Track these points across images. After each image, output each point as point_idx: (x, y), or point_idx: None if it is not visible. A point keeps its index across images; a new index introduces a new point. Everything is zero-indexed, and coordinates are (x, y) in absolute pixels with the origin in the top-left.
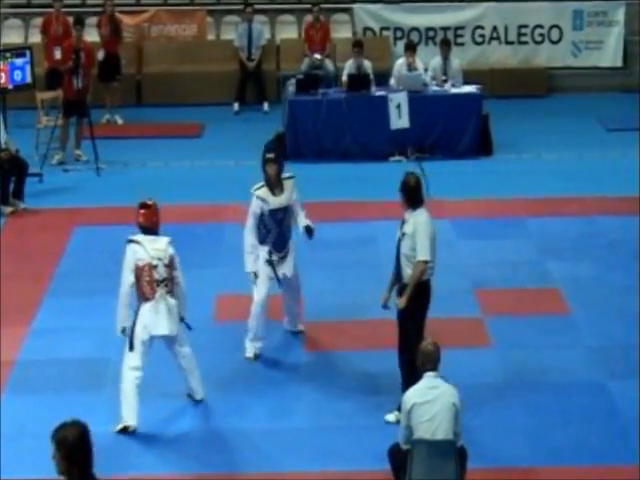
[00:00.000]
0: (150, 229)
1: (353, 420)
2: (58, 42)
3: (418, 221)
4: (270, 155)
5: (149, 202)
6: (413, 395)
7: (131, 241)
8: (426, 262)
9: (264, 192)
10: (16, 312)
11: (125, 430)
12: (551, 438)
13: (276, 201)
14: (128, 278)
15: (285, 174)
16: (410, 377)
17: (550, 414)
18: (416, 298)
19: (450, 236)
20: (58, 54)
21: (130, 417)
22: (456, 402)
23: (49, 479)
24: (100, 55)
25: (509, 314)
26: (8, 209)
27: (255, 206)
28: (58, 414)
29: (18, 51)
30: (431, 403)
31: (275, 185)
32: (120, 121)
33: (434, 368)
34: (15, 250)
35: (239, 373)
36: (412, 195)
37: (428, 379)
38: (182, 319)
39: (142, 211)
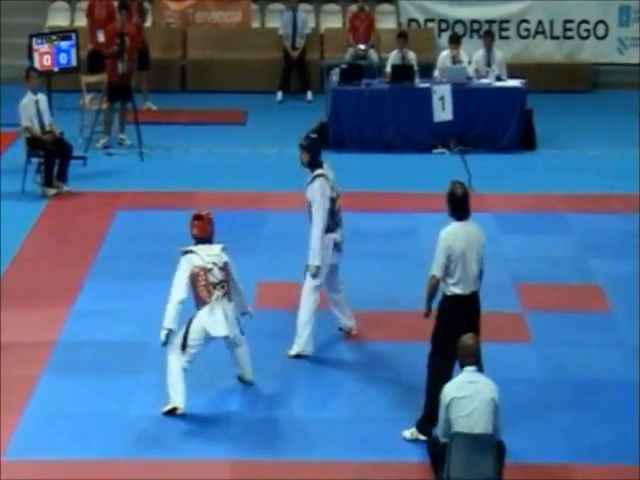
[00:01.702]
0: (204, 239)
1: (391, 412)
2: (101, 25)
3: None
4: (301, 142)
5: (202, 213)
6: (452, 389)
7: (186, 252)
8: (433, 276)
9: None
10: (58, 294)
11: (173, 412)
12: (589, 436)
13: None
14: (180, 291)
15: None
16: (429, 394)
17: (589, 412)
18: (438, 316)
19: (492, 230)
20: (101, 37)
21: (178, 399)
22: (495, 397)
23: (85, 460)
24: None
25: (550, 310)
26: (52, 191)
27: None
28: (96, 396)
29: (64, 34)
30: (470, 398)
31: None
32: (153, 107)
33: (474, 362)
34: (58, 232)
35: (279, 361)
36: (458, 206)
37: (467, 373)
38: (245, 313)
39: (196, 222)
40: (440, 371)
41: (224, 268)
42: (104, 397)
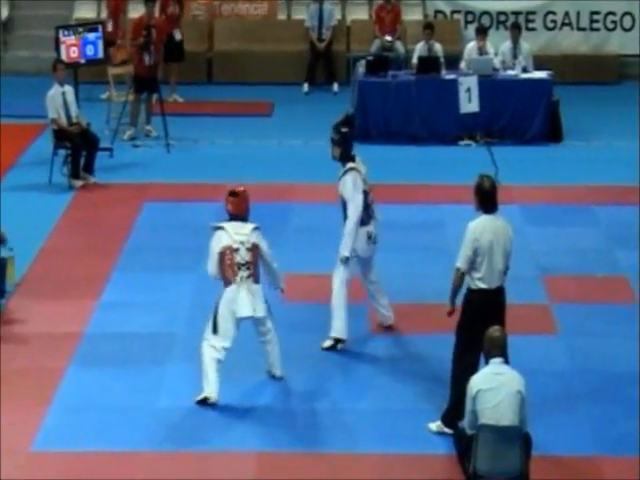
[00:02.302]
0: (238, 216)
1: (418, 404)
2: (112, 15)
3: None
4: (332, 136)
5: (238, 190)
6: (479, 381)
7: (217, 228)
8: (458, 269)
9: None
10: (85, 285)
11: (205, 401)
12: (616, 428)
13: None
14: (212, 265)
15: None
16: (455, 388)
17: (615, 404)
18: (463, 310)
19: (518, 222)
20: (109, 27)
21: (210, 389)
22: (521, 389)
23: (112, 452)
24: (178, 36)
25: (576, 302)
26: (79, 183)
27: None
28: (123, 388)
29: (90, 26)
30: (496, 390)
31: None
32: (180, 99)
33: (500, 354)
34: (85, 224)
35: (307, 354)
36: (486, 200)
37: (494, 365)
38: (278, 288)
39: (231, 198)
40: (465, 365)
41: (252, 249)
42: (131, 389)
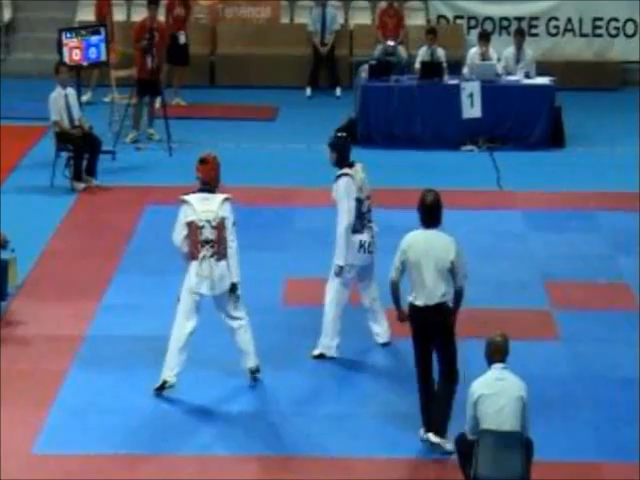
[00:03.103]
0: (207, 184)
1: (416, 407)
2: (97, 19)
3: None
4: (329, 141)
5: (208, 157)
6: (480, 386)
7: (183, 201)
8: (391, 277)
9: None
10: (87, 288)
11: (163, 387)
12: (618, 434)
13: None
14: (178, 235)
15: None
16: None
17: (617, 410)
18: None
19: (521, 228)
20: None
21: (168, 373)
22: (523, 395)
23: (114, 454)
24: (182, 38)
25: (578, 308)
26: (81, 185)
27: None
28: (125, 391)
29: (93, 29)
30: (498, 395)
31: None
32: (183, 103)
33: (502, 360)
34: (87, 227)
35: (306, 357)
36: (424, 214)
37: (496, 371)
38: (233, 287)
39: (200, 166)
40: (418, 373)
41: (218, 227)
42: (133, 391)
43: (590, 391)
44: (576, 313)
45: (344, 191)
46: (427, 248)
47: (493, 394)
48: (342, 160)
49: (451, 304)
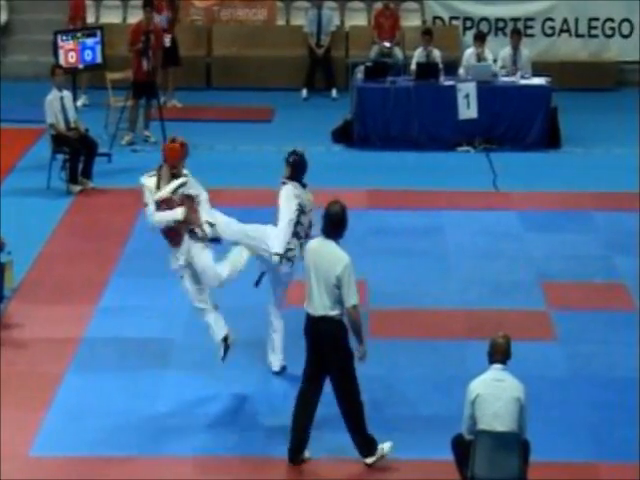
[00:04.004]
0: (171, 167)
1: (417, 409)
2: (71, 21)
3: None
4: (286, 156)
5: (175, 140)
6: (478, 386)
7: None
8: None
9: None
10: (83, 290)
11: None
12: (615, 434)
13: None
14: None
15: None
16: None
17: (614, 410)
18: None
19: (517, 228)
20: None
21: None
22: (521, 396)
23: (111, 457)
24: (167, 42)
25: (575, 308)
26: (77, 188)
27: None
28: (122, 393)
29: (89, 31)
30: (496, 396)
31: None
32: (179, 105)
33: (502, 361)
34: (83, 229)
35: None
36: (326, 223)
37: (494, 371)
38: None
39: (167, 147)
40: (301, 391)
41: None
42: (129, 394)
43: (587, 391)
44: (573, 313)
45: (285, 196)
46: (316, 258)
47: (490, 395)
48: (294, 178)
49: (342, 319)
